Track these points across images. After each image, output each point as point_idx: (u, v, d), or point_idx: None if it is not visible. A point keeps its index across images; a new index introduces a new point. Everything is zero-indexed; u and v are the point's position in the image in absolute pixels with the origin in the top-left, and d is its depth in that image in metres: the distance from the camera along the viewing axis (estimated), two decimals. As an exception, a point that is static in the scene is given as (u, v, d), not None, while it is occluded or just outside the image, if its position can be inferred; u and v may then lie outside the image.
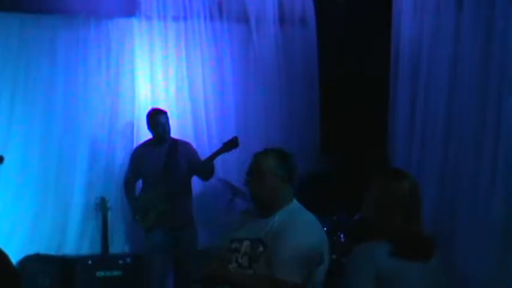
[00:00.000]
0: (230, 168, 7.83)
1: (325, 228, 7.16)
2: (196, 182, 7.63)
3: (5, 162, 6.67)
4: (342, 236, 7.15)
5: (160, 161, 7.34)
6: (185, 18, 8.25)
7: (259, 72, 8.48)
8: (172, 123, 7.60)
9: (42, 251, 7.40)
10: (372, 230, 3.20)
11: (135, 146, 7.82)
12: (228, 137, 7.52)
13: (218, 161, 7.44)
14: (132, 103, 8.03)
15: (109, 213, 7.44)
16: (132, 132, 7.99)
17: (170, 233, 7.27)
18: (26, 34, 7.69)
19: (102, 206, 7.47)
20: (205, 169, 7.31)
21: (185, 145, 7.54)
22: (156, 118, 7.42)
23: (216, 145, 7.88)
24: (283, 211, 3.95)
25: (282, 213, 3.94)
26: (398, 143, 7.62)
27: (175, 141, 7.48)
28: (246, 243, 3.93)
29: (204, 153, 7.73)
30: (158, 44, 8.17)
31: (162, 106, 7.75)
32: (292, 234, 3.83)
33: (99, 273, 7.12)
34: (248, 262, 3.88)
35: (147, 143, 7.54)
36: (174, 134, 7.62)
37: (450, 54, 7.26)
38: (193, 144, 7.74)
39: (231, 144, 7.23)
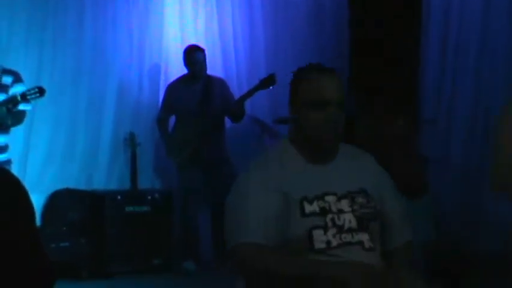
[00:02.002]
0: (259, 105, 7.78)
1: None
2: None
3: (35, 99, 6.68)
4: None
5: (195, 97, 7.31)
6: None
7: (289, 7, 8.37)
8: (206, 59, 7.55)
9: (72, 185, 7.45)
10: None
11: (162, 83, 7.79)
12: (257, 74, 7.47)
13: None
14: (160, 40, 8.00)
15: (138, 149, 7.44)
16: (159, 69, 7.97)
17: (205, 170, 7.29)
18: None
19: (131, 141, 7.47)
20: (238, 109, 7.26)
21: (220, 82, 7.50)
22: (194, 55, 7.37)
23: (246, 82, 7.85)
24: (342, 152, 3.09)
25: (344, 155, 3.09)
26: (427, 95, 7.56)
27: (210, 78, 7.44)
28: (335, 198, 2.92)
29: (233, 88, 7.69)
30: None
31: (191, 42, 7.70)
32: (388, 178, 3.14)
33: (128, 208, 7.15)
34: (358, 223, 2.89)
35: (182, 79, 7.49)
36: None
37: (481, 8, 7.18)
38: (226, 81, 7.70)
39: (268, 81, 7.16)
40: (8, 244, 1.75)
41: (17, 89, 6.25)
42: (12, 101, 6.14)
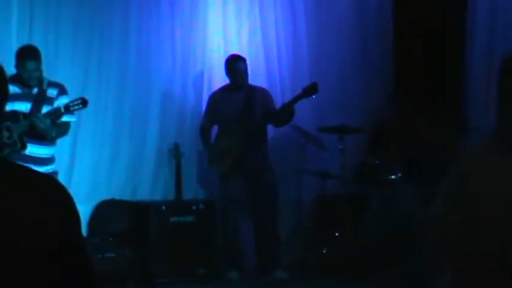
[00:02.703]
0: (302, 114, 7.76)
1: (399, 174, 7.10)
2: (268, 128, 7.60)
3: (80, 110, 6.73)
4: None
5: (238, 107, 7.32)
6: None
7: (332, 17, 8.37)
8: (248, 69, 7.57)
9: (118, 196, 7.50)
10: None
11: (206, 92, 7.82)
12: (300, 83, 7.46)
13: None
14: (203, 49, 8.03)
15: (182, 159, 7.46)
16: (203, 78, 8.01)
17: (247, 179, 7.29)
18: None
19: (175, 151, 7.50)
20: (282, 116, 7.25)
21: (262, 92, 7.49)
22: (235, 64, 7.37)
23: (289, 91, 7.84)
24: None
25: None
26: (474, 103, 7.48)
27: (253, 88, 7.44)
28: None
29: (276, 98, 7.69)
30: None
31: (234, 51, 7.72)
32: None
33: (173, 219, 7.17)
34: None
35: (224, 88, 7.51)
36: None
37: None
38: (268, 91, 7.70)
39: (310, 90, 7.14)
40: (53, 250, 1.76)
41: (61, 101, 6.31)
42: (56, 112, 6.20)
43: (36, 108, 6.23)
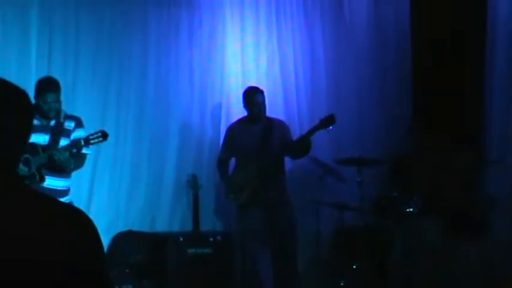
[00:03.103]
0: (319, 145, 7.75)
1: (411, 209, 7.06)
2: (286, 160, 7.59)
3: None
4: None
5: (255, 139, 7.31)
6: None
7: (351, 49, 8.39)
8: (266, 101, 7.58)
9: (135, 227, 7.50)
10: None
11: (224, 123, 7.84)
12: (319, 114, 7.45)
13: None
14: (221, 81, 8.06)
15: (200, 191, 7.46)
16: (220, 110, 8.03)
17: (265, 211, 7.27)
18: (118, 12, 7.77)
19: (193, 183, 7.50)
20: (300, 147, 7.23)
21: (280, 124, 7.49)
22: (253, 97, 7.36)
23: (307, 123, 7.84)
24: None
25: None
26: (493, 133, 7.45)
27: (271, 120, 7.44)
28: None
29: (295, 131, 7.69)
30: (249, 19, 8.17)
31: (252, 82, 7.75)
32: None
33: (190, 250, 7.16)
34: None
35: (242, 121, 7.51)
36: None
37: None
38: (284, 120, 7.71)
39: (327, 121, 7.11)
40: (80, 283, 1.78)
41: (78, 134, 6.34)
42: (76, 145, 6.21)
43: (54, 140, 6.25)
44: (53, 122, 6.29)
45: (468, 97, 7.75)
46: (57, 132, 6.29)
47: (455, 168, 2.90)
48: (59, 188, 6.26)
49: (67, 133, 6.34)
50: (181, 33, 8.01)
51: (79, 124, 6.44)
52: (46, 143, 6.21)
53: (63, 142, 6.27)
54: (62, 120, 6.33)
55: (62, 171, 6.26)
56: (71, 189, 6.49)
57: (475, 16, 7.68)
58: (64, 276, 1.76)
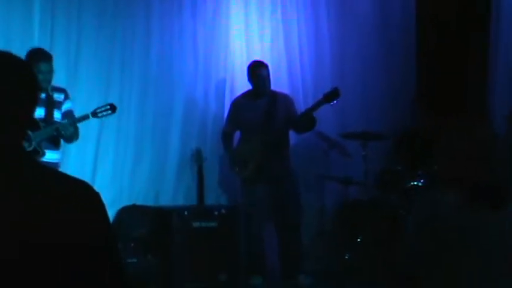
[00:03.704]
0: (324, 120, 7.74)
1: (422, 181, 7.07)
2: (291, 135, 7.59)
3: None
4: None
5: (260, 113, 7.31)
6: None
7: (355, 21, 8.36)
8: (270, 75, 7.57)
9: (140, 202, 7.51)
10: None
11: (228, 98, 7.83)
12: (323, 88, 7.44)
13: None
14: (225, 56, 8.04)
15: (204, 164, 7.47)
16: (225, 84, 8.01)
17: (269, 185, 7.28)
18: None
19: (197, 157, 7.50)
20: (304, 122, 7.23)
21: (284, 98, 7.48)
22: (258, 71, 7.36)
23: (312, 96, 7.83)
24: None
25: None
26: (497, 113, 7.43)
27: (275, 94, 7.43)
28: None
29: (299, 104, 7.68)
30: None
31: (256, 57, 7.75)
32: None
33: (195, 224, 7.16)
34: None
35: (246, 94, 7.50)
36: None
37: None
38: (290, 96, 7.70)
39: (332, 95, 7.10)
40: (90, 253, 1.80)
41: (67, 105, 6.34)
42: (84, 118, 6.23)
43: (49, 113, 6.24)
44: (43, 95, 6.25)
45: (472, 74, 7.73)
46: (50, 104, 6.27)
47: (474, 141, 2.89)
48: (54, 161, 6.26)
49: (58, 105, 6.33)
50: (184, 10, 7.97)
51: (67, 96, 6.44)
52: (42, 116, 6.19)
53: (57, 114, 6.27)
54: (50, 92, 6.30)
55: (57, 144, 6.27)
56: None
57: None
58: (79, 253, 1.76)
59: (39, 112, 6.15)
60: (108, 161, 7.61)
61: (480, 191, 2.97)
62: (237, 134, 7.55)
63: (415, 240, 2.99)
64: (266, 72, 7.35)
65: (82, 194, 1.83)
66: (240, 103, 7.47)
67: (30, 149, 6.03)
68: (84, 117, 6.23)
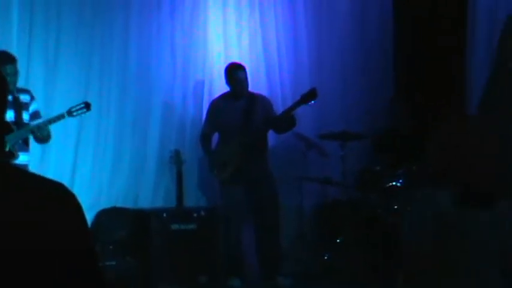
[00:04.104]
0: (303, 120, 7.75)
1: (401, 181, 7.10)
2: (270, 136, 7.59)
3: (83, 117, 6.72)
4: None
5: (238, 114, 7.31)
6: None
7: (333, 22, 8.38)
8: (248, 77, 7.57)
9: (119, 204, 7.49)
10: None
11: (206, 100, 7.82)
12: (301, 89, 7.45)
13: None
14: (204, 57, 8.03)
15: (183, 166, 7.45)
16: (203, 86, 8.01)
17: (248, 186, 7.27)
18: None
19: (176, 159, 7.48)
20: (283, 122, 7.24)
21: (262, 99, 7.49)
22: (235, 73, 7.36)
23: (291, 98, 7.84)
24: None
25: None
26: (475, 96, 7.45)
27: (253, 96, 7.43)
28: None
29: (277, 106, 7.68)
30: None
31: (234, 58, 7.74)
32: None
33: (174, 226, 7.15)
34: None
35: (224, 96, 7.50)
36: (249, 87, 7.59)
37: None
38: (268, 98, 7.70)
39: (309, 96, 7.12)
40: (67, 257, 1.77)
41: (34, 106, 6.33)
42: (59, 118, 6.20)
43: (19, 115, 6.21)
44: (10, 97, 6.22)
45: (450, 72, 7.76)
46: (18, 106, 6.25)
47: (466, 141, 2.89)
48: (23, 163, 6.23)
49: (26, 106, 6.31)
50: (163, 9, 7.95)
51: (32, 96, 6.42)
52: (12, 119, 6.16)
53: (25, 116, 6.25)
54: (15, 94, 6.27)
55: (27, 145, 6.25)
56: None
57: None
58: (54, 257, 1.74)
59: (9, 115, 6.13)
60: (87, 163, 7.58)
61: (471, 191, 2.99)
62: (216, 136, 7.55)
63: (413, 238, 3.02)
64: (244, 74, 7.35)
65: (57, 195, 1.81)
66: (218, 105, 7.47)
67: (5, 152, 6.00)
68: (60, 117, 6.21)
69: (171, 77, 7.95)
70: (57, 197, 1.79)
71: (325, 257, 7.45)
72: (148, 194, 7.79)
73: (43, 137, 6.15)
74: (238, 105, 7.34)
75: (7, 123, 5.97)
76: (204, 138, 7.53)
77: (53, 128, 6.36)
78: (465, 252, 3.06)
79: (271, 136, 7.57)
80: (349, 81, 8.41)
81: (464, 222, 2.95)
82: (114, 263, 6.91)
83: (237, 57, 7.87)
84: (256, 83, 7.84)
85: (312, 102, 7.16)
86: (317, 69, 8.33)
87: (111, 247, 7.00)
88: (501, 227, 3.09)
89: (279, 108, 7.67)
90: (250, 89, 7.46)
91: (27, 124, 6.23)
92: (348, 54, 8.41)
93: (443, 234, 2.91)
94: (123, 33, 7.79)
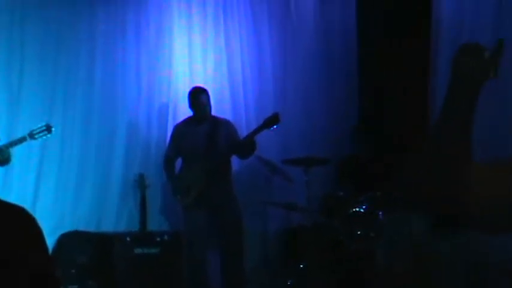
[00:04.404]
0: (267, 146, 7.78)
1: (364, 207, 7.12)
2: (234, 161, 7.60)
3: (46, 140, 6.69)
4: (380, 213, 7.09)
5: (201, 139, 7.32)
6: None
7: (297, 45, 8.42)
8: (211, 100, 7.59)
9: (81, 228, 7.43)
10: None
11: (171, 123, 7.82)
12: (266, 113, 7.47)
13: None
14: (169, 80, 8.04)
15: (147, 190, 7.43)
16: (167, 110, 8.00)
17: (211, 211, 7.26)
18: (64, 10, 7.70)
19: (140, 183, 7.46)
20: (245, 147, 7.26)
21: (226, 124, 7.50)
22: (197, 97, 7.37)
23: (255, 123, 7.85)
24: None
25: None
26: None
27: (216, 120, 7.45)
28: None
29: (242, 130, 7.70)
30: (196, 17, 8.16)
31: (199, 81, 7.77)
32: None
33: (137, 250, 7.12)
34: None
35: (187, 121, 7.51)
36: (212, 111, 7.60)
37: (493, 23, 7.12)
38: (231, 119, 7.72)
39: (272, 121, 7.15)
40: (28, 282, 1.76)
41: None
42: (21, 141, 6.17)
43: None
44: None
45: (412, 98, 7.82)
46: None
47: (435, 166, 2.89)
48: None
49: None
50: (128, 32, 7.96)
51: None
52: None
53: None
54: None
55: None
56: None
57: (419, 15, 7.78)
58: (17, 282, 1.73)
59: None
60: (50, 186, 7.53)
61: (442, 216, 2.99)
62: (180, 161, 7.54)
63: (387, 261, 3.03)
64: (206, 98, 7.37)
65: (18, 219, 1.80)
66: (181, 129, 7.48)
67: None
68: (21, 140, 6.18)
69: (135, 100, 7.95)
70: (18, 221, 1.78)
71: (289, 283, 7.44)
72: (112, 218, 7.75)
73: (3, 159, 6.11)
74: (201, 130, 7.35)
75: None
76: (167, 162, 7.52)
77: (17, 151, 6.32)
78: (438, 277, 3.08)
79: (235, 161, 7.58)
80: (313, 106, 8.43)
81: (437, 247, 2.97)
82: (76, 287, 6.85)
83: (201, 80, 7.88)
84: (221, 108, 7.86)
85: (275, 127, 7.19)
86: (281, 93, 8.35)
87: (73, 271, 6.94)
88: (471, 252, 3.12)
89: (243, 131, 7.68)
90: (214, 112, 7.48)
91: None
92: (312, 81, 8.44)
93: (416, 258, 2.93)
94: (88, 58, 7.79)
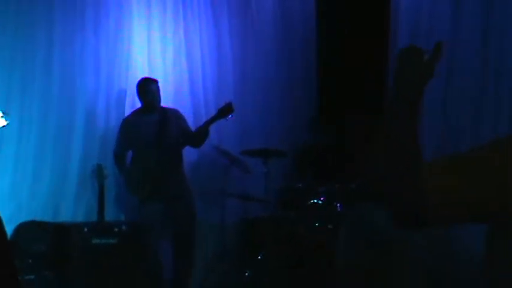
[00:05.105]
0: (226, 136, 7.80)
1: (322, 198, 7.18)
2: (191, 151, 7.60)
3: (2, 129, 6.63)
4: (338, 205, 7.15)
5: (151, 130, 7.30)
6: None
7: (257, 39, 8.45)
8: (170, 91, 7.57)
9: (38, 217, 7.38)
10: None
11: (128, 113, 7.80)
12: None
13: (213, 128, 7.42)
14: (127, 73, 8.01)
15: (105, 181, 7.39)
16: (125, 101, 7.98)
17: (166, 202, 7.26)
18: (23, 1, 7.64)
19: (98, 173, 7.42)
20: (200, 137, 7.27)
21: (175, 113, 7.50)
22: (146, 86, 7.37)
23: (213, 112, 7.88)
24: None
25: None
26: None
27: (165, 110, 7.44)
28: None
29: (201, 122, 7.70)
30: (156, 11, 8.13)
31: (158, 74, 7.74)
32: None
33: (95, 241, 7.08)
34: None
35: (136, 112, 7.50)
36: (171, 102, 7.59)
37: (451, 11, 7.23)
38: (191, 112, 7.72)
39: (225, 110, 7.17)
40: None
41: None
42: None
43: None
44: None
45: (372, 87, 7.89)
46: None
47: (398, 160, 2.91)
48: None
49: None
50: (86, 22, 7.91)
51: None
52: None
53: None
54: None
55: None
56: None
57: (378, 4, 7.86)
58: None
59: None
60: (7, 176, 7.47)
61: (403, 210, 3.02)
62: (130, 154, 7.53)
63: (348, 252, 3.06)
64: (155, 87, 7.37)
65: None
66: (130, 121, 7.45)
67: None
68: None
69: (94, 92, 7.90)
70: None
71: (246, 273, 7.47)
72: (70, 208, 7.71)
73: None
74: (150, 120, 7.33)
75: None
76: (118, 158, 7.49)
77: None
78: (399, 272, 3.11)
79: (193, 151, 7.58)
80: (273, 98, 8.48)
81: (399, 242, 3.01)
82: (33, 277, 6.80)
83: (161, 73, 7.88)
84: (180, 99, 7.87)
85: (230, 116, 7.20)
86: (241, 85, 8.39)
87: (30, 261, 6.89)
88: (435, 247, 3.18)
89: (202, 121, 7.69)
90: (174, 105, 7.48)
91: None
92: (272, 71, 8.49)
93: (377, 253, 2.96)
94: (46, 49, 7.72)
